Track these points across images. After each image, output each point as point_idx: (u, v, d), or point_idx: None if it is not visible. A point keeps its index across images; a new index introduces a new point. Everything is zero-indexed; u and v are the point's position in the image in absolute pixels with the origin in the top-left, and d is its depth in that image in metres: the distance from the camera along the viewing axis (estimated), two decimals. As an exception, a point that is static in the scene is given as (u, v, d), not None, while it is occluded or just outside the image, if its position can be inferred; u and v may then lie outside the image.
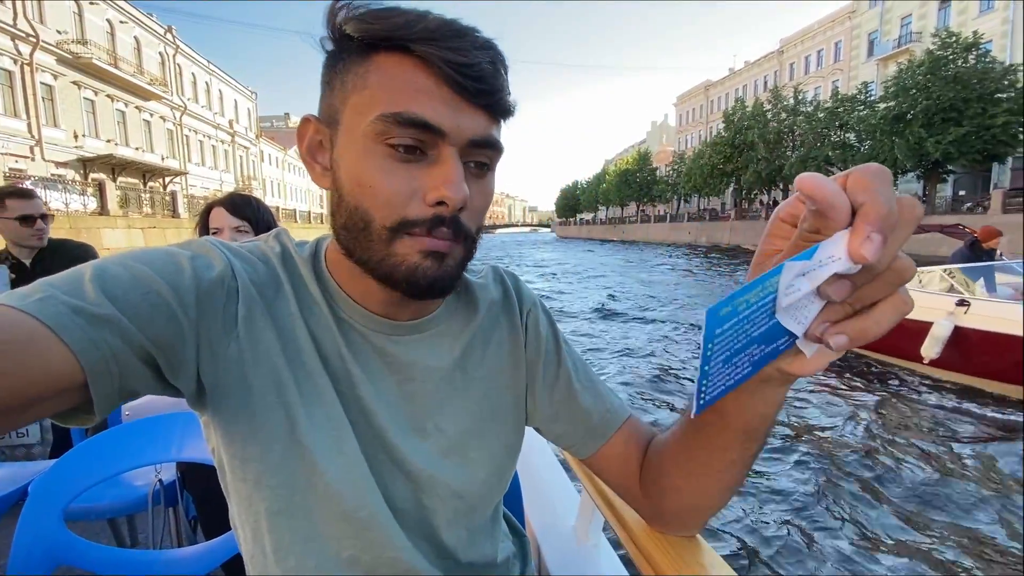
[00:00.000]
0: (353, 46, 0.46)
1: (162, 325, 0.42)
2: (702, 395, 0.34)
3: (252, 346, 0.48)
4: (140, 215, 16.48)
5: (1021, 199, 19.39)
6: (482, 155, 0.48)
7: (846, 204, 0.29)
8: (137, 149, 24.59)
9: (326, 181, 0.50)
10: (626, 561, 0.97)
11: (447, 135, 0.45)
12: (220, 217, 1.44)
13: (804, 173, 0.30)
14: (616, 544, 1.01)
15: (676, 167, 49.59)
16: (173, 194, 19.63)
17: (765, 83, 44.10)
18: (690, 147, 54.27)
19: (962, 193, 24.80)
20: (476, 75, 0.44)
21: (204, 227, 1.49)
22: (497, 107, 0.47)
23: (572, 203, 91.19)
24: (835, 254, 0.29)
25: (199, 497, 1.23)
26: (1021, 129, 20.64)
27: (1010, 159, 22.97)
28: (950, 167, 23.34)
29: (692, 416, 0.41)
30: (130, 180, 23.03)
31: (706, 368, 0.32)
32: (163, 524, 1.27)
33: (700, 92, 56.89)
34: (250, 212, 1.47)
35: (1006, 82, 20.48)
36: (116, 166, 22.21)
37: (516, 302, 0.64)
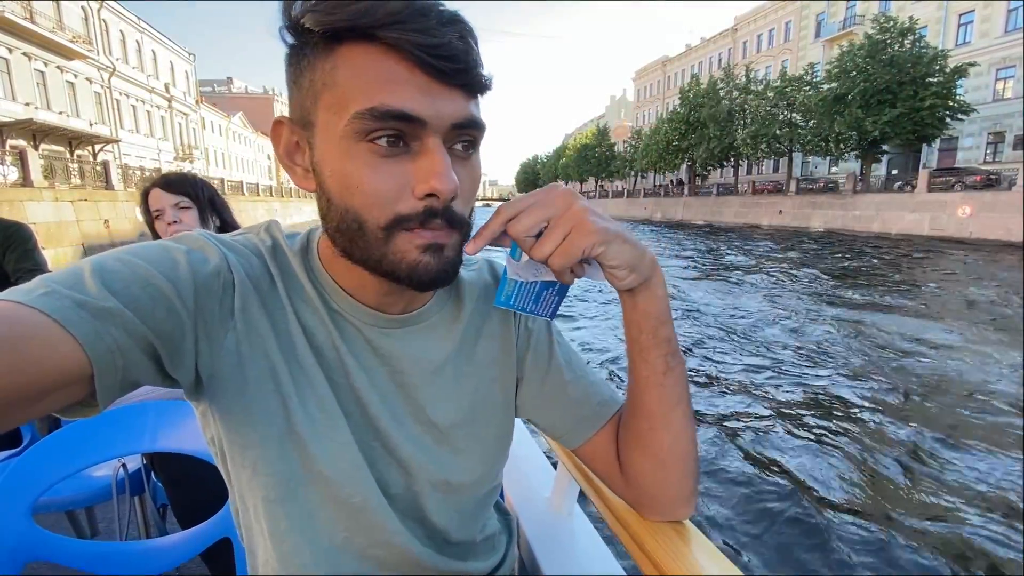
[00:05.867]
0: (315, 39, 0.43)
1: (162, 317, 0.42)
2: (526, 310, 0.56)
3: (248, 337, 0.49)
4: (68, 186, 15.17)
5: (944, 179, 20.80)
6: (466, 136, 0.47)
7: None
8: (61, 113, 22.50)
9: (309, 183, 0.49)
10: (600, 529, 1.04)
11: (428, 124, 0.43)
12: (157, 198, 1.42)
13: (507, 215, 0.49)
14: (593, 515, 1.07)
15: (633, 143, 50.09)
16: (105, 163, 18.11)
17: (720, 60, 44.75)
18: (647, 122, 54.81)
19: (895, 172, 26.34)
20: (448, 55, 0.42)
21: (147, 210, 1.46)
22: (474, 84, 0.45)
23: (532, 177, 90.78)
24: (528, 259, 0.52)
25: (169, 483, 1.21)
26: (947, 113, 22.03)
27: (937, 140, 24.53)
28: (884, 147, 24.72)
29: (495, 304, 0.55)
30: (55, 148, 21.08)
31: (521, 308, 0.56)
32: (128, 514, 1.25)
33: (658, 68, 57.24)
34: (187, 187, 1.44)
35: (936, 67, 21.69)
36: (37, 132, 20.25)
37: None
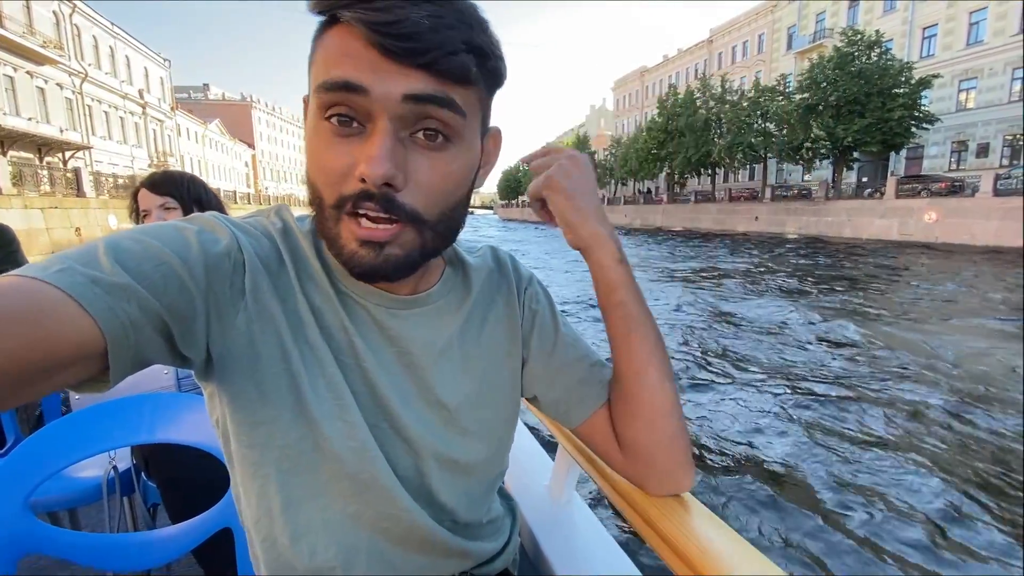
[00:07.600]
0: (317, 27, 0.46)
1: (174, 295, 0.42)
2: None
3: (259, 316, 0.50)
4: (38, 194, 14.73)
5: (911, 186, 21.54)
6: (430, 122, 0.45)
7: None
8: (30, 119, 21.93)
9: None
10: (600, 515, 1.06)
11: (371, 93, 0.43)
12: (145, 198, 1.40)
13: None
14: (592, 503, 1.09)
15: (613, 151, 50.70)
16: (76, 171, 17.63)
17: (696, 71, 45.69)
18: (627, 131, 55.56)
19: (864, 180, 27.15)
20: (403, 32, 0.41)
21: (136, 211, 1.44)
22: (438, 66, 0.43)
23: (514, 185, 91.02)
24: None
25: (164, 480, 1.20)
26: (913, 123, 22.88)
27: (905, 149, 25.42)
28: (855, 155, 25.53)
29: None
30: (24, 154, 20.52)
31: None
32: (119, 513, 1.23)
33: (636, 78, 58.16)
34: (172, 187, 1.42)
35: (903, 78, 22.52)
36: (5, 138, 19.67)
37: (513, 279, 0.67)
